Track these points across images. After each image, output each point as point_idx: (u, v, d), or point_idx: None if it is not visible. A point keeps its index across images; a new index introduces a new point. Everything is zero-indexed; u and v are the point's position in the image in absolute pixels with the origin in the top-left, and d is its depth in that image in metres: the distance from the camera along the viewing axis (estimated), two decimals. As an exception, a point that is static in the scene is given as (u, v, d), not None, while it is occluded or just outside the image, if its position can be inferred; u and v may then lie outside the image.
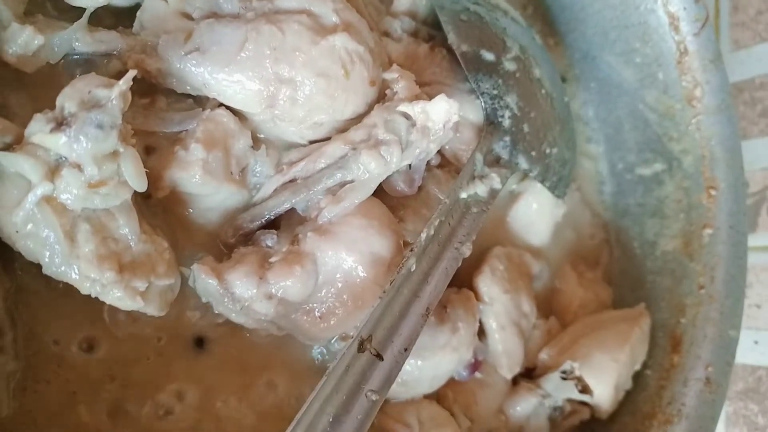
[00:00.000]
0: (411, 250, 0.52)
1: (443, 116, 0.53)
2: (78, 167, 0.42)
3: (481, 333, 0.64)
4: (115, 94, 0.42)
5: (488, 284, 0.64)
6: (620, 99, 0.77)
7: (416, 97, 0.55)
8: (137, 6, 0.52)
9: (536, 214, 0.71)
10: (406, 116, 0.53)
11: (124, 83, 0.42)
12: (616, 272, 0.78)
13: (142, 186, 0.45)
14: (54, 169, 0.43)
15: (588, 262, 0.78)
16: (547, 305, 0.74)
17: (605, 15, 0.75)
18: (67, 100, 0.42)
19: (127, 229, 0.46)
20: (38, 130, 0.42)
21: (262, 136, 0.56)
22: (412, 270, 0.51)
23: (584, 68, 0.80)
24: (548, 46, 0.80)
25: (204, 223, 0.55)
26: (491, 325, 0.64)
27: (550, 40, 0.80)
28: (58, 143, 0.41)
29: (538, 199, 0.70)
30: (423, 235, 0.53)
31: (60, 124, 0.41)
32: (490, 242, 0.69)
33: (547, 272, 0.74)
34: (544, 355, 0.67)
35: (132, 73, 0.43)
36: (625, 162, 0.79)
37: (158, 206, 0.53)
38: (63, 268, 0.44)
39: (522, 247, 0.72)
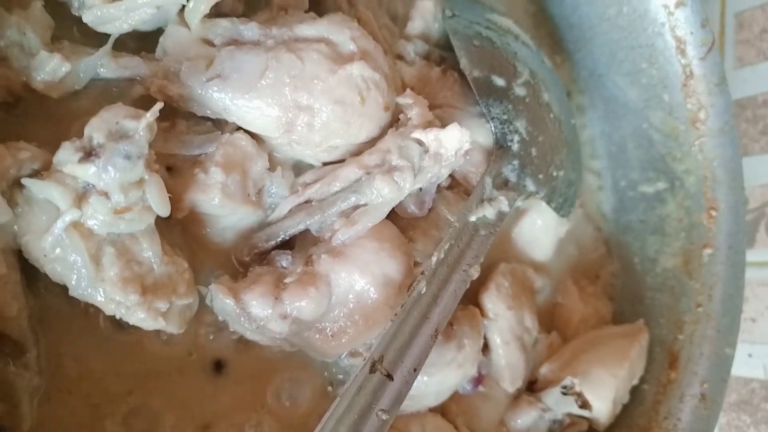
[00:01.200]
0: (422, 273, 0.54)
1: (456, 144, 0.54)
2: (105, 194, 0.44)
3: (485, 347, 0.66)
4: (143, 125, 0.43)
5: (493, 301, 0.66)
6: (625, 118, 0.79)
7: (429, 124, 0.56)
8: (160, 30, 0.54)
9: (540, 230, 0.73)
10: (420, 143, 0.55)
11: (151, 115, 0.43)
12: (617, 287, 0.80)
13: (165, 211, 0.47)
14: (81, 195, 0.44)
15: (589, 277, 0.80)
16: (549, 319, 0.76)
17: (613, 35, 0.76)
18: (95, 130, 0.43)
19: (150, 252, 0.47)
20: (67, 159, 0.43)
21: (278, 155, 0.58)
22: (423, 293, 0.53)
23: (591, 86, 0.81)
24: (555, 63, 0.82)
25: (221, 242, 0.57)
26: (495, 340, 0.66)
27: (557, 57, 0.82)
28: (88, 173, 0.43)
29: (542, 216, 0.72)
30: (433, 259, 0.54)
31: (88, 154, 0.43)
32: (495, 258, 0.71)
33: (549, 287, 0.76)
34: (545, 370, 0.69)
35: (159, 105, 0.44)
36: (628, 179, 0.80)
37: (177, 225, 0.54)
38: (89, 291, 0.46)
39: (525, 262, 0.73)
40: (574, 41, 0.80)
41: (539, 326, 0.71)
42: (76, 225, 0.44)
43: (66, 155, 0.44)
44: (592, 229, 0.82)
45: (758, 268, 0.88)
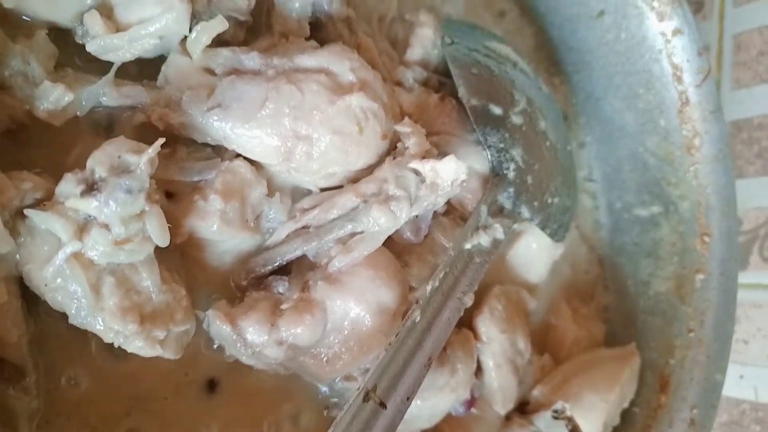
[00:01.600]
0: (416, 302, 0.55)
1: (452, 175, 0.55)
2: (106, 227, 0.45)
3: (478, 370, 0.67)
4: (144, 160, 0.44)
5: (487, 325, 0.67)
6: (621, 141, 0.80)
7: (427, 153, 0.57)
8: (162, 56, 0.54)
9: (535, 253, 0.73)
10: (417, 172, 0.56)
11: (153, 151, 0.44)
12: (610, 308, 0.81)
13: (165, 242, 0.48)
14: (83, 227, 0.45)
15: (582, 298, 0.81)
16: (542, 340, 0.76)
17: (610, 60, 0.77)
18: (97, 164, 0.44)
19: (149, 281, 0.48)
20: (69, 191, 0.44)
21: (277, 181, 0.58)
22: (417, 321, 0.54)
23: (588, 108, 0.82)
24: (554, 85, 0.82)
25: (219, 265, 0.57)
26: (488, 363, 0.67)
27: (555, 79, 0.83)
28: (89, 207, 0.43)
29: (537, 239, 0.72)
30: (428, 288, 0.55)
31: (90, 187, 0.44)
32: (490, 279, 0.71)
33: (542, 308, 0.76)
34: (537, 392, 0.70)
35: (160, 141, 0.45)
36: (623, 201, 0.81)
37: (176, 250, 0.55)
38: (88, 320, 0.46)
39: (519, 283, 0.74)
40: (573, 64, 0.81)
41: (532, 348, 0.72)
42: (77, 256, 0.45)
43: (68, 187, 0.45)
44: (587, 250, 0.83)
45: (751, 289, 0.89)
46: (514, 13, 0.80)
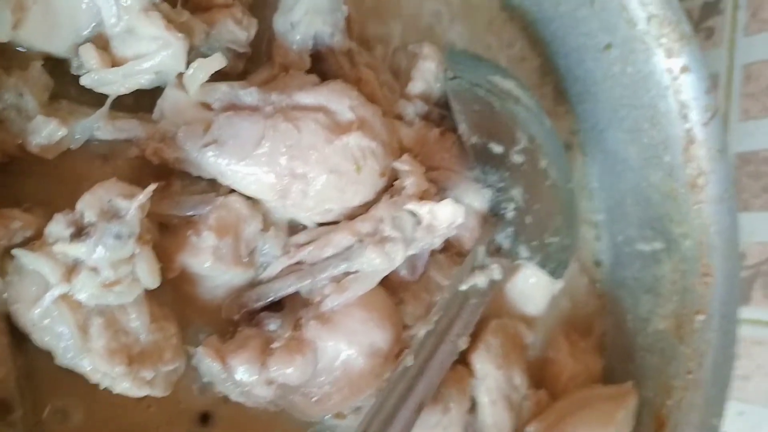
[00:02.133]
0: (410, 345, 0.54)
1: (449, 218, 0.54)
2: (95, 270, 0.44)
3: (472, 406, 0.67)
4: (134, 206, 0.43)
5: (482, 361, 0.66)
6: (625, 174, 0.79)
7: (425, 194, 0.56)
8: (158, 88, 0.54)
9: (534, 287, 0.73)
10: (413, 214, 0.55)
11: (144, 197, 0.44)
12: (609, 343, 0.80)
13: (154, 285, 0.47)
14: (71, 269, 0.44)
15: (581, 331, 0.80)
16: (539, 373, 0.75)
17: (616, 93, 0.76)
18: (87, 207, 0.43)
19: (138, 321, 0.48)
20: (58, 234, 0.44)
21: (272, 215, 0.58)
22: (409, 366, 0.53)
23: (591, 139, 0.81)
24: (558, 114, 0.81)
25: (211, 299, 0.57)
26: (482, 399, 0.66)
27: (560, 108, 0.82)
28: (78, 252, 0.43)
29: (536, 272, 0.71)
30: (422, 332, 0.55)
31: (80, 231, 0.43)
32: (487, 312, 0.70)
33: (540, 341, 0.76)
34: (531, 430, 0.69)
35: (152, 187, 0.44)
36: (625, 235, 0.80)
37: (168, 284, 0.54)
38: (75, 360, 0.46)
39: (517, 316, 0.73)
40: (578, 94, 0.80)
41: (528, 381, 0.71)
42: (65, 297, 0.45)
43: (57, 229, 0.44)
44: (587, 282, 0.82)
45: (753, 325, 0.88)
46: (521, 40, 0.79)
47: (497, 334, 0.68)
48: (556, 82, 0.81)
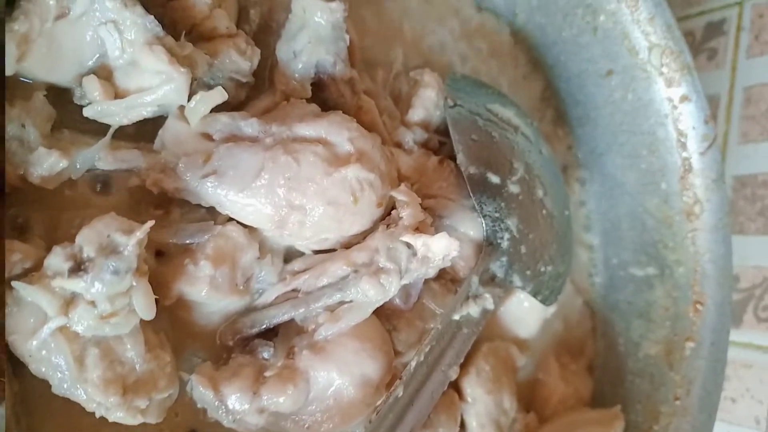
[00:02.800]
0: (400, 379, 0.55)
1: (444, 251, 0.55)
2: (92, 303, 0.45)
3: (461, 428, 0.68)
4: (132, 243, 0.44)
5: (473, 386, 0.67)
6: (621, 198, 0.79)
7: (421, 225, 0.57)
8: (160, 116, 0.54)
9: (526, 311, 0.73)
10: (409, 245, 0.56)
11: (142, 233, 0.44)
12: (599, 364, 0.81)
13: (150, 316, 0.48)
14: (69, 301, 0.45)
15: (572, 353, 0.81)
16: (528, 395, 0.77)
17: (616, 118, 0.77)
18: (86, 242, 0.44)
19: (133, 352, 0.48)
20: (57, 267, 0.44)
21: (269, 243, 0.58)
22: (399, 396, 0.54)
23: (590, 162, 0.81)
24: (557, 136, 0.82)
25: (206, 324, 0.57)
26: (471, 423, 0.67)
27: (560, 130, 0.82)
28: (76, 286, 0.44)
29: (529, 297, 0.72)
30: (413, 363, 0.55)
31: (78, 265, 0.44)
32: (479, 336, 0.71)
33: (531, 363, 0.77)
34: (519, 453, 0.71)
35: (150, 223, 0.45)
36: (619, 258, 0.81)
37: (163, 310, 0.55)
38: (71, 390, 0.47)
39: (509, 339, 0.74)
40: (578, 117, 0.80)
41: (517, 405, 0.72)
42: (63, 329, 0.45)
43: (56, 262, 0.45)
44: (580, 304, 0.83)
45: (743, 348, 0.89)
46: (523, 64, 0.79)
47: (488, 359, 0.69)
48: (557, 105, 0.82)
